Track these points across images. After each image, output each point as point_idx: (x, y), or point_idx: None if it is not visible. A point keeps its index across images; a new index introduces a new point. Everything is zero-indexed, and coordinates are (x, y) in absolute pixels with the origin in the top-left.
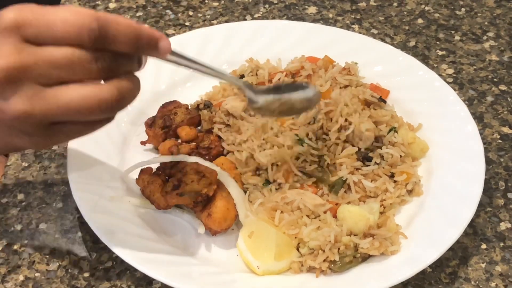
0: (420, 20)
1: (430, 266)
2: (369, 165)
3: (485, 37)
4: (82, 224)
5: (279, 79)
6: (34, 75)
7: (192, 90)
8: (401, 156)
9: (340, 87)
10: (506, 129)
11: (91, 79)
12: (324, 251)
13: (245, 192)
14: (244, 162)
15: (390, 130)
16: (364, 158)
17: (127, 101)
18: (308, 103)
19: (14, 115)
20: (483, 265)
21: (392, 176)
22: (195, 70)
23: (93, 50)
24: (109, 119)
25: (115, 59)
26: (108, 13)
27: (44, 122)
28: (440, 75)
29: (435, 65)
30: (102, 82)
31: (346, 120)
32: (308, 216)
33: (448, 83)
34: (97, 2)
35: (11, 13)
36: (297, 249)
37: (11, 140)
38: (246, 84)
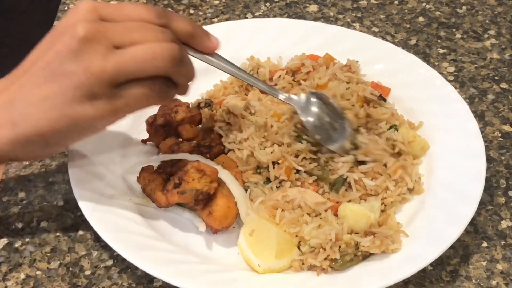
0: (421, 18)
1: (431, 264)
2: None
3: (486, 35)
4: (83, 222)
5: (279, 76)
6: (110, 36)
7: (193, 89)
8: (400, 154)
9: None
10: (507, 127)
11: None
12: (325, 249)
13: (246, 191)
14: (245, 161)
15: (390, 128)
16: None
17: (187, 63)
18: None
19: (88, 72)
20: (484, 263)
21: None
22: (236, 75)
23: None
24: (168, 91)
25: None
26: None
27: (113, 79)
28: (441, 73)
29: (436, 63)
30: None
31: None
32: (309, 214)
33: (449, 81)
34: (98, 0)
35: (88, 2)
36: (298, 247)
37: (71, 110)
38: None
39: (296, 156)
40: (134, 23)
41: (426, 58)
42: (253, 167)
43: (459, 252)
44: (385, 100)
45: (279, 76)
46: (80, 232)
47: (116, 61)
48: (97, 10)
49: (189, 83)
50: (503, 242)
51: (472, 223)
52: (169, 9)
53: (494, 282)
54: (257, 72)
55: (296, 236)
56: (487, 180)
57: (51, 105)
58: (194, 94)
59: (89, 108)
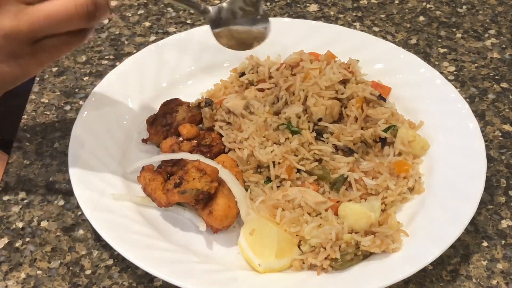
0: (421, 18)
1: (431, 264)
2: (323, 141)
3: (486, 35)
4: (84, 222)
5: (277, 69)
6: None
7: (193, 88)
8: (401, 154)
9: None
10: (507, 127)
11: None
12: (325, 248)
13: (246, 190)
14: (245, 160)
15: (389, 128)
16: (318, 133)
17: (101, 10)
18: (258, 35)
19: (3, 33)
20: (485, 263)
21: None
22: None
23: None
24: (85, 31)
25: None
26: None
27: (30, 37)
28: (441, 73)
29: (437, 63)
30: None
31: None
32: (309, 213)
33: (450, 80)
34: None
35: None
36: (299, 246)
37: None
38: (203, 11)
39: (296, 155)
40: None
41: (426, 57)
42: (253, 166)
43: (460, 252)
44: (384, 100)
45: (277, 69)
46: (81, 232)
47: (29, 20)
48: None
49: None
50: (503, 242)
51: (473, 222)
52: (169, 8)
53: (494, 282)
54: (257, 72)
55: (297, 235)
56: (488, 179)
57: None
58: (194, 93)
59: (14, 65)
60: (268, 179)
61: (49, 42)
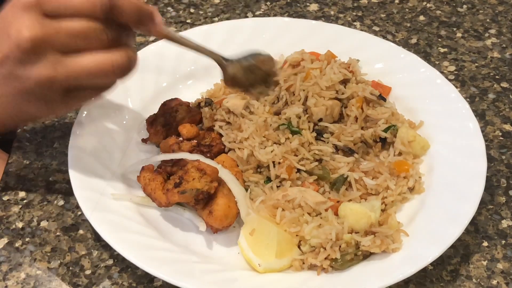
0: (421, 17)
1: (431, 264)
2: (323, 140)
3: (487, 34)
4: (84, 222)
5: (281, 68)
6: (55, 44)
7: (193, 88)
8: (401, 153)
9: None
10: (508, 127)
11: (102, 47)
12: (325, 249)
13: (246, 190)
14: (245, 160)
15: (388, 128)
16: (318, 133)
17: (133, 66)
18: (270, 62)
19: (39, 80)
20: (485, 263)
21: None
22: (181, 46)
23: (103, 21)
24: (114, 83)
25: (120, 32)
26: None
27: (64, 86)
28: (441, 72)
29: (437, 62)
30: None
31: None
32: (309, 213)
33: (450, 80)
34: None
35: None
36: (299, 246)
37: (27, 108)
38: (220, 59)
39: (296, 155)
40: (79, 25)
41: (426, 57)
42: (253, 166)
43: (460, 252)
44: (384, 99)
45: (281, 68)
46: (81, 232)
47: (66, 71)
48: (40, 5)
49: None
50: (503, 242)
51: (473, 222)
52: (170, 8)
53: (494, 282)
54: None
55: (297, 235)
56: (488, 179)
57: (9, 102)
58: (194, 93)
59: (44, 108)
60: (268, 179)
61: (81, 92)
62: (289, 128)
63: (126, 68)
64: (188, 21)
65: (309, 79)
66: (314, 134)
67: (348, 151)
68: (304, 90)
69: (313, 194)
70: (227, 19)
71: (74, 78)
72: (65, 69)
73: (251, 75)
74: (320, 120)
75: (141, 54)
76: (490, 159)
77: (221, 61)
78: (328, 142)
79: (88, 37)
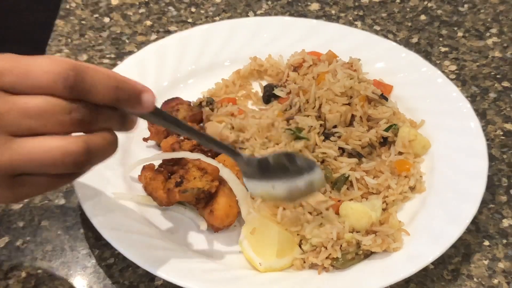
0: (423, 17)
1: (432, 263)
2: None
3: (488, 34)
4: (84, 221)
5: (288, 75)
6: (5, 124)
7: (194, 87)
8: (402, 153)
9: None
10: (509, 126)
11: (64, 132)
12: (326, 248)
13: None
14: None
15: (390, 127)
16: (326, 137)
17: (96, 158)
18: (310, 187)
19: None
20: (486, 262)
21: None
22: (181, 134)
23: (69, 100)
24: (76, 174)
25: (92, 112)
26: (88, 63)
27: (8, 172)
28: (443, 72)
29: (438, 62)
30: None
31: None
32: (310, 213)
33: (451, 79)
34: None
35: None
36: (300, 246)
37: None
38: (241, 161)
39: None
40: (35, 103)
41: (427, 56)
42: None
43: (461, 251)
44: (386, 99)
45: (287, 74)
46: (81, 231)
47: (10, 156)
48: None
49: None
50: (504, 241)
51: (474, 221)
52: (171, 7)
53: (496, 281)
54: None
55: (298, 234)
56: (489, 178)
57: None
58: (195, 92)
59: None
60: None
61: (30, 180)
62: (296, 134)
63: (83, 160)
64: (189, 20)
65: (322, 84)
66: (322, 137)
67: (356, 155)
68: (319, 98)
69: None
70: (228, 18)
71: (19, 165)
72: (10, 155)
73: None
74: (335, 127)
75: (142, 53)
76: (491, 158)
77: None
78: (336, 145)
79: (44, 118)
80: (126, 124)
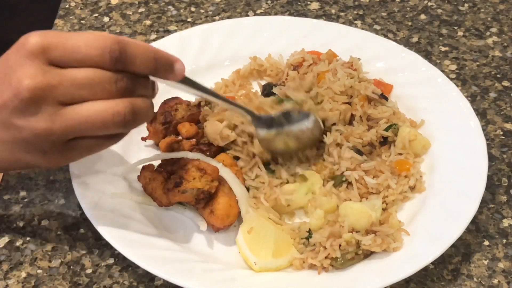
0: (423, 16)
1: (432, 263)
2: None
3: (488, 33)
4: (84, 221)
5: (287, 75)
6: (57, 94)
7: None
8: (402, 152)
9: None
10: (509, 125)
11: (109, 99)
12: (325, 248)
13: (247, 189)
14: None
15: (390, 127)
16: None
17: (140, 118)
18: (309, 133)
19: (35, 133)
20: (486, 262)
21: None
22: (206, 97)
23: (113, 71)
24: (120, 135)
25: (133, 81)
26: (127, 37)
27: (62, 139)
28: (443, 71)
29: (438, 61)
30: None
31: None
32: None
33: (451, 79)
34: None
35: (37, 37)
36: (303, 241)
37: (24, 157)
38: (252, 115)
39: None
40: (84, 74)
41: (427, 56)
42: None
43: (461, 251)
44: (386, 98)
45: (287, 73)
46: (81, 231)
47: (64, 123)
48: (45, 52)
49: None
50: (504, 241)
51: (474, 221)
52: (170, 6)
53: (495, 281)
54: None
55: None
56: (489, 178)
57: (5, 149)
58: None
59: (40, 159)
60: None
61: (80, 143)
62: (281, 100)
63: (129, 118)
64: (189, 19)
65: (322, 83)
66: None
67: (356, 152)
68: (321, 96)
69: None
70: (228, 17)
71: (72, 130)
72: (64, 121)
73: (288, 143)
74: (334, 125)
75: None
76: (491, 158)
77: (255, 126)
78: (337, 141)
79: (93, 88)
80: (154, 91)
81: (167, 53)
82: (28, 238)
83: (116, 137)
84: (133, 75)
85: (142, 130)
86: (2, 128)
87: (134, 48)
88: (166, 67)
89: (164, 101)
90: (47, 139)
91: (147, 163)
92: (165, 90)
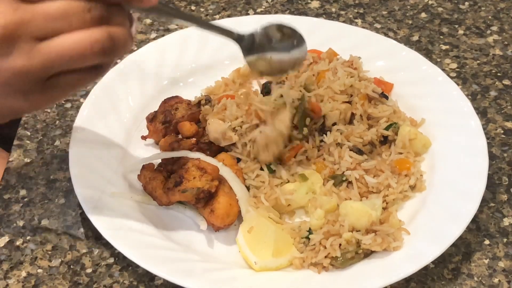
0: (423, 14)
1: (433, 262)
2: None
3: (488, 31)
4: (84, 220)
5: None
6: (31, 30)
7: (194, 86)
8: (402, 152)
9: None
10: (509, 124)
11: (85, 29)
12: (325, 247)
13: (248, 189)
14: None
15: (390, 126)
16: (324, 133)
17: (119, 46)
18: (295, 62)
19: (13, 72)
20: (486, 261)
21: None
22: (181, 23)
23: (86, 0)
24: (102, 67)
25: (107, 9)
26: None
27: (42, 75)
28: (443, 70)
29: (439, 60)
30: None
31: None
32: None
33: (452, 77)
34: None
35: None
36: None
37: (6, 102)
38: (237, 38)
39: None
40: (57, 6)
41: (428, 54)
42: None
43: (461, 250)
44: (387, 97)
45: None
46: (81, 230)
47: (41, 58)
48: None
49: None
50: (505, 240)
51: (474, 220)
52: (171, 5)
53: (496, 280)
54: None
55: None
56: (489, 177)
57: None
58: (195, 90)
59: (22, 101)
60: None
61: (62, 79)
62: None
63: (107, 46)
64: None
65: (322, 82)
66: (320, 138)
67: (357, 152)
68: (320, 95)
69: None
70: (228, 16)
71: (51, 65)
72: (41, 56)
73: (268, 67)
74: (334, 124)
75: (142, 51)
76: (491, 157)
77: (237, 37)
78: (337, 141)
79: (68, 19)
80: (131, 22)
81: None
82: (28, 238)
83: (97, 70)
84: (107, 4)
85: (142, 129)
86: None
87: None
88: None
89: (164, 100)
90: (27, 78)
91: (147, 163)
92: (164, 89)
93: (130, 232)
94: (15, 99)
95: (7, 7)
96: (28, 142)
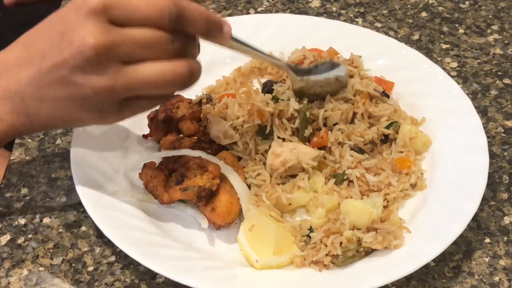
0: (424, 14)
1: (433, 260)
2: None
3: (489, 30)
4: (86, 219)
5: (310, 62)
6: (119, 53)
7: (196, 84)
8: (403, 150)
9: None
10: (510, 123)
11: (165, 58)
12: (326, 245)
13: (249, 187)
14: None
15: (391, 124)
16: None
17: (195, 78)
18: (340, 82)
19: (97, 90)
20: (487, 259)
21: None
22: (248, 55)
23: (170, 31)
24: (171, 96)
25: (186, 41)
26: None
27: (121, 97)
28: (444, 69)
29: (439, 59)
30: None
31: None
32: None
33: (452, 76)
34: None
35: None
36: (305, 237)
37: (78, 115)
38: (289, 66)
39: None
40: (145, 34)
41: (429, 53)
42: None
43: (462, 248)
44: (388, 96)
45: (311, 62)
46: (83, 228)
47: (126, 81)
48: (107, 11)
49: None
50: (505, 238)
51: (475, 219)
52: None
53: (496, 278)
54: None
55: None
56: (490, 176)
57: (61, 106)
58: (196, 89)
59: (96, 116)
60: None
61: (137, 102)
62: (276, 98)
63: (187, 80)
64: None
65: None
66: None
67: (358, 151)
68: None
69: (304, 150)
70: (229, 15)
71: (133, 88)
72: (126, 80)
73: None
74: (336, 124)
75: None
76: (492, 155)
77: (291, 74)
78: (338, 140)
79: (153, 47)
80: (199, 51)
81: (217, 16)
82: (29, 236)
83: (166, 97)
84: (186, 36)
85: (143, 128)
86: (58, 85)
87: (190, 9)
88: (217, 28)
89: None
90: (108, 97)
91: (148, 161)
92: None
93: (132, 230)
94: (89, 114)
95: (100, 29)
96: (29, 140)
